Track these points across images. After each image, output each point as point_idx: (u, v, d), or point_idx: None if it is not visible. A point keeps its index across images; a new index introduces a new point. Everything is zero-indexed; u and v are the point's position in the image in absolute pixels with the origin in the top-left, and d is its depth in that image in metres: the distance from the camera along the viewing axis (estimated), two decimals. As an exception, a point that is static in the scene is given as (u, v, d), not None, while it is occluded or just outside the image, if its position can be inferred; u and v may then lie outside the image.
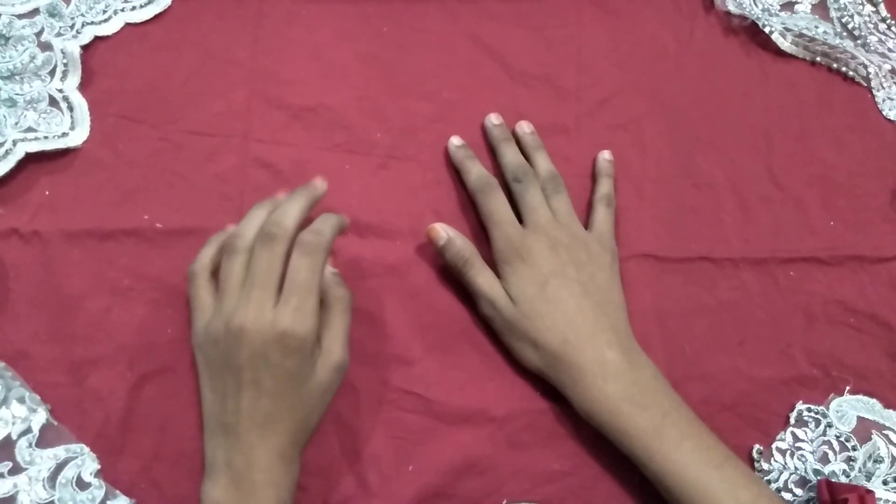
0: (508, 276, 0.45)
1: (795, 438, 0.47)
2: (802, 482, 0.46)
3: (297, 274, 0.38)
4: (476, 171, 0.48)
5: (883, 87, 0.54)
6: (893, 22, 0.55)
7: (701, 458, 0.41)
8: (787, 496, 0.46)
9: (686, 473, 0.41)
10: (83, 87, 0.48)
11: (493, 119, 0.50)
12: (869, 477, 0.46)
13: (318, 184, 0.42)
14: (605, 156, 0.50)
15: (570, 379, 0.43)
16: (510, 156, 0.49)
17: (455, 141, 0.49)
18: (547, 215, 0.46)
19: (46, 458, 0.41)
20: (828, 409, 0.47)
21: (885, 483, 0.46)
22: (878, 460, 0.46)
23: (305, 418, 0.40)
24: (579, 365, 0.43)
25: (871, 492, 0.42)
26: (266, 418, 0.38)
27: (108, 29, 0.49)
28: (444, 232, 0.46)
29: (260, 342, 0.37)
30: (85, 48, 0.48)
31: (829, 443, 0.47)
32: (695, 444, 0.42)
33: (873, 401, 0.48)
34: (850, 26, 0.54)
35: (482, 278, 0.45)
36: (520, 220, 0.47)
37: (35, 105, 0.46)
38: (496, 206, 0.46)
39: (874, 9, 0.55)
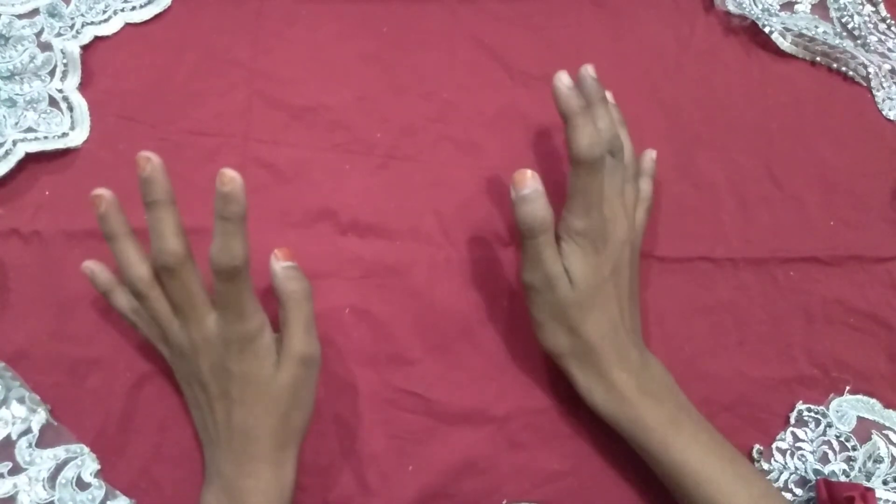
0: (579, 256, 0.41)
1: (795, 438, 0.47)
2: (802, 482, 0.46)
3: (223, 288, 0.37)
4: (588, 137, 0.40)
5: (883, 87, 0.54)
6: (893, 22, 0.55)
7: (716, 453, 0.41)
8: (788, 496, 0.46)
9: (703, 467, 0.40)
10: (83, 87, 0.48)
11: (591, 71, 0.45)
12: (869, 477, 0.46)
13: (157, 181, 0.38)
14: (651, 155, 0.49)
15: (595, 370, 0.42)
16: (607, 123, 0.43)
17: (565, 80, 0.41)
18: (625, 207, 0.44)
19: (46, 459, 0.41)
20: (828, 409, 0.47)
21: (884, 483, 0.46)
22: (878, 460, 0.46)
23: (284, 418, 0.39)
24: (608, 359, 0.42)
25: (871, 489, 0.42)
26: (242, 424, 0.38)
27: (108, 29, 0.49)
28: (533, 182, 0.39)
29: (214, 356, 0.38)
30: (85, 48, 0.48)
31: (829, 443, 0.47)
32: (709, 438, 0.42)
33: (873, 401, 0.48)
34: (850, 26, 0.54)
35: (551, 251, 0.41)
36: None
37: (35, 105, 0.46)
38: (598, 185, 0.41)
39: (874, 9, 0.55)
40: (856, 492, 0.42)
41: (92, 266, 0.42)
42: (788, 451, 0.47)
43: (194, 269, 0.39)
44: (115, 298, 0.42)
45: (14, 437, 0.41)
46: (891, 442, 0.46)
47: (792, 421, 0.47)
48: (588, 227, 0.41)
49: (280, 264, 0.40)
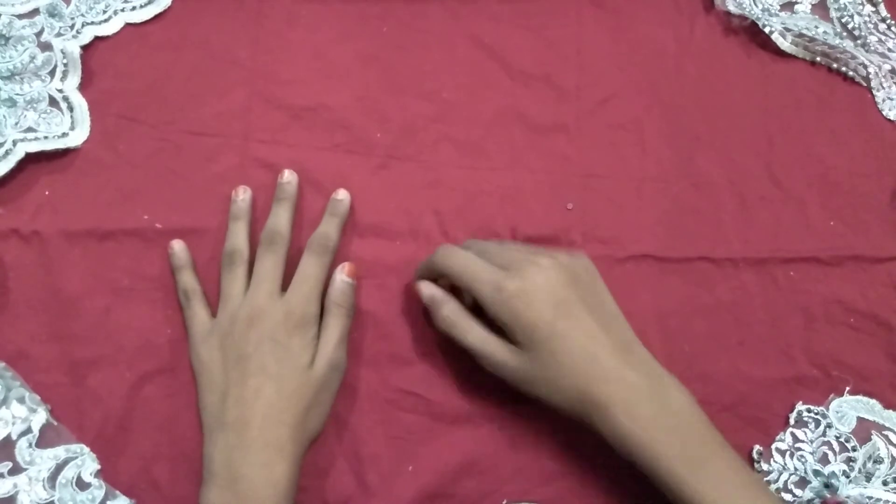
0: (508, 326, 0.40)
1: (795, 439, 0.47)
2: (802, 483, 0.46)
3: (306, 268, 0.43)
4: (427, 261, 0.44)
5: (883, 87, 0.54)
6: (893, 22, 0.55)
7: (733, 482, 0.38)
8: (787, 497, 0.46)
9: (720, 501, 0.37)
10: (83, 87, 0.48)
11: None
12: (869, 477, 0.46)
13: (288, 178, 0.47)
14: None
15: (599, 417, 0.39)
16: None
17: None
18: (527, 248, 0.43)
19: (46, 458, 0.41)
20: (828, 409, 0.47)
21: (885, 483, 0.46)
22: (878, 461, 0.46)
23: (305, 412, 0.41)
24: (606, 400, 0.39)
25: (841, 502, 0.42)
26: (268, 406, 0.39)
27: (108, 29, 0.49)
28: (426, 290, 0.43)
29: (269, 324, 0.41)
30: (85, 48, 0.48)
31: (828, 443, 0.47)
32: (725, 466, 0.39)
33: (873, 401, 0.48)
34: (850, 26, 0.54)
35: (472, 336, 0.42)
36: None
37: (35, 105, 0.46)
38: (460, 261, 0.42)
39: (874, 9, 0.55)
40: None
41: (175, 245, 0.46)
42: (788, 452, 0.47)
43: (287, 253, 0.44)
44: (182, 275, 0.45)
45: (14, 437, 0.42)
46: (891, 442, 0.46)
47: (792, 421, 0.47)
48: (491, 297, 0.40)
49: (342, 276, 0.44)
